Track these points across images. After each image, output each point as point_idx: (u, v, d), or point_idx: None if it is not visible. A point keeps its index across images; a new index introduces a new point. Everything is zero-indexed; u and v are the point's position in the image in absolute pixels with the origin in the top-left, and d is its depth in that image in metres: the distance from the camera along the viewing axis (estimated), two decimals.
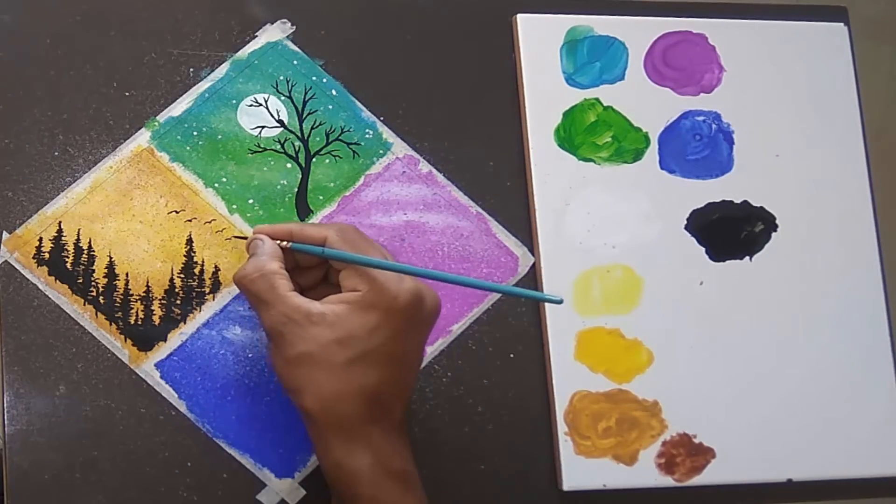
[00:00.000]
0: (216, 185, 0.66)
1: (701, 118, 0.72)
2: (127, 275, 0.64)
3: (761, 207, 0.72)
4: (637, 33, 0.73)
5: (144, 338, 0.64)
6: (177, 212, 0.66)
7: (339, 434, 0.57)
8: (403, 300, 0.56)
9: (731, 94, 0.73)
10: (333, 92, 0.69)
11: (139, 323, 0.64)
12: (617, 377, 0.68)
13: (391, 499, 0.57)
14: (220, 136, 0.67)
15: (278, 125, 0.68)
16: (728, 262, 0.71)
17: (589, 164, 0.70)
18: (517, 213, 0.70)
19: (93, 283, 0.64)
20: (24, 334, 0.63)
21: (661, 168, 0.71)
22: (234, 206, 0.66)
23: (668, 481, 0.68)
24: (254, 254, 0.60)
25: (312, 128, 0.68)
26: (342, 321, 0.56)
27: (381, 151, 0.69)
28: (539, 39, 0.71)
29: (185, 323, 0.65)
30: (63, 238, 0.64)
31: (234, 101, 0.68)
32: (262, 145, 0.67)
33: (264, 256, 0.59)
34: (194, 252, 0.65)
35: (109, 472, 0.62)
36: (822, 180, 0.73)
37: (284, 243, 0.60)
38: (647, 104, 0.72)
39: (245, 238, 0.66)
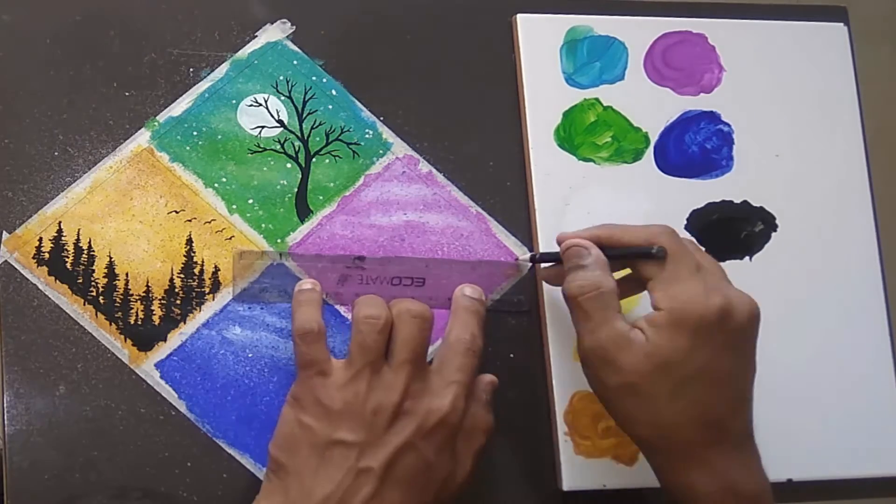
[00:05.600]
0: (216, 185, 0.66)
1: (701, 118, 0.72)
2: (127, 275, 0.64)
3: (761, 207, 0.72)
4: (637, 33, 0.73)
5: (144, 338, 0.64)
6: (177, 212, 0.66)
7: (680, 460, 0.55)
8: (710, 317, 0.53)
9: (731, 94, 0.73)
10: (333, 92, 0.69)
11: (139, 323, 0.64)
12: None
13: None
14: (220, 136, 0.67)
15: (278, 125, 0.68)
16: (728, 262, 0.71)
17: (589, 164, 0.70)
18: (517, 213, 0.70)
19: (93, 283, 0.64)
20: (24, 334, 0.63)
21: (661, 168, 0.71)
22: (234, 206, 0.66)
23: None
24: (581, 264, 0.57)
25: (312, 128, 0.68)
26: (656, 348, 0.53)
27: (380, 151, 0.69)
28: (539, 39, 0.71)
29: (185, 323, 0.65)
30: (63, 238, 0.64)
31: (234, 101, 0.68)
32: (262, 145, 0.68)
33: (598, 270, 0.56)
34: (194, 252, 0.66)
35: (109, 472, 0.62)
36: (822, 180, 0.73)
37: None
38: (646, 104, 0.72)
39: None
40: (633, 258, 0.58)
